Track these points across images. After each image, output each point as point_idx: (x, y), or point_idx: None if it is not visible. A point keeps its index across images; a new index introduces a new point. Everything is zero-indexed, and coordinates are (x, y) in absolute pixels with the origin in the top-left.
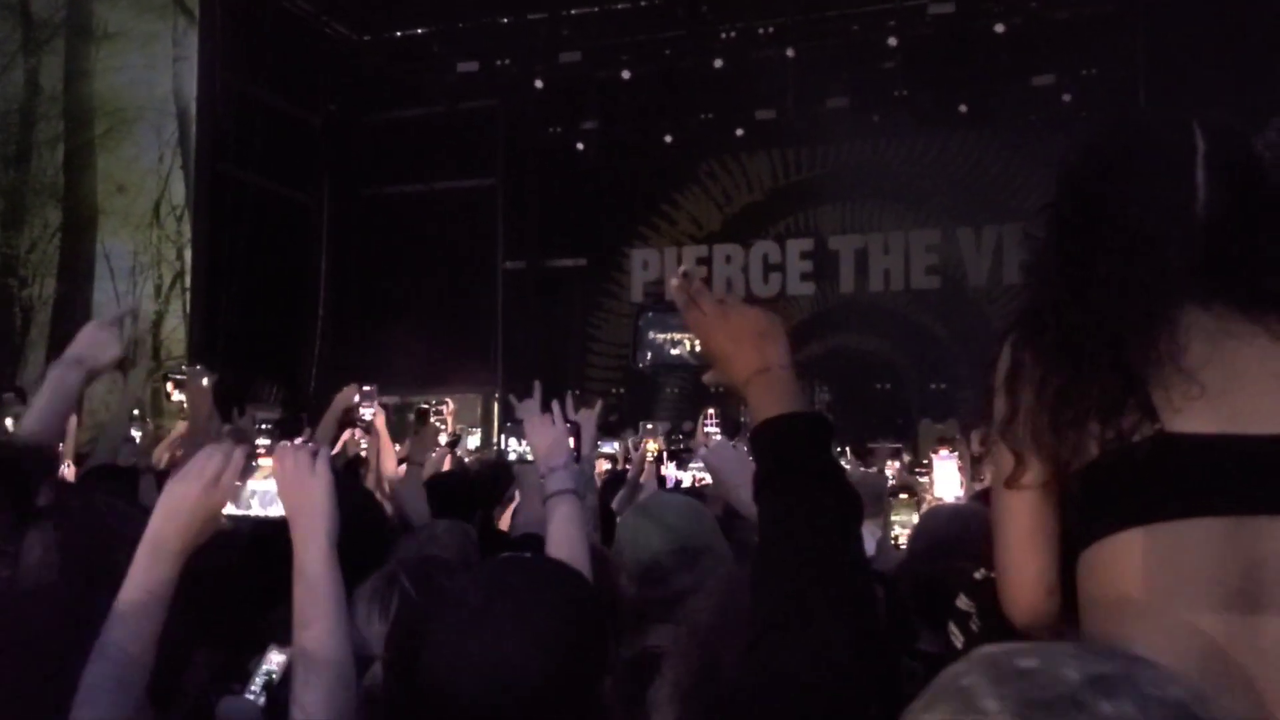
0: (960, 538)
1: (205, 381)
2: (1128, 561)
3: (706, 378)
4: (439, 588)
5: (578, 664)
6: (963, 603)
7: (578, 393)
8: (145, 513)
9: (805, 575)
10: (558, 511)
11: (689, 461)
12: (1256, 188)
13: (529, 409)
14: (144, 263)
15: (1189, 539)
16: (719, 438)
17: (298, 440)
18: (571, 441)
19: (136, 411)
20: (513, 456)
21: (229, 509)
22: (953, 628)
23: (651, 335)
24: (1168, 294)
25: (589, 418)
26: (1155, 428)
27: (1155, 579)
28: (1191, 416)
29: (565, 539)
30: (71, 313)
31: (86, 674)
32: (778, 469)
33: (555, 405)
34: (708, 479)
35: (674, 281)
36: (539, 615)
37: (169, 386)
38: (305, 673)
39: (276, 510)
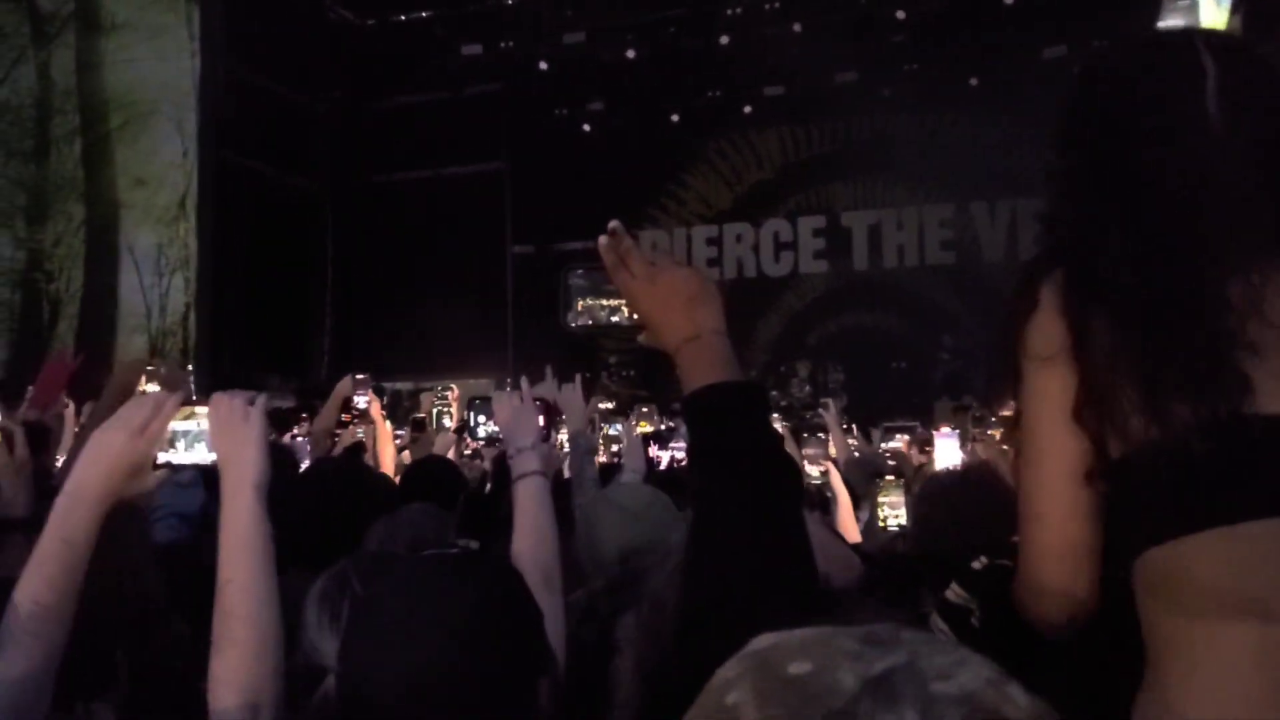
0: (964, 506)
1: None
2: (1198, 571)
3: (640, 339)
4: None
5: (505, 665)
6: (955, 594)
7: (587, 375)
8: (135, 513)
9: (738, 557)
10: (524, 495)
11: (670, 440)
12: (1275, 106)
13: (544, 391)
14: (170, 256)
15: (1268, 544)
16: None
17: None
18: (541, 420)
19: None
20: (481, 434)
21: (163, 458)
22: (939, 623)
23: (582, 296)
24: (1237, 256)
25: (572, 392)
26: (1242, 409)
27: (1234, 585)
28: (1273, 396)
29: (533, 523)
30: (99, 306)
31: (2, 624)
32: (708, 441)
33: (524, 383)
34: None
35: (601, 240)
36: (460, 615)
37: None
38: (222, 635)
39: (199, 454)
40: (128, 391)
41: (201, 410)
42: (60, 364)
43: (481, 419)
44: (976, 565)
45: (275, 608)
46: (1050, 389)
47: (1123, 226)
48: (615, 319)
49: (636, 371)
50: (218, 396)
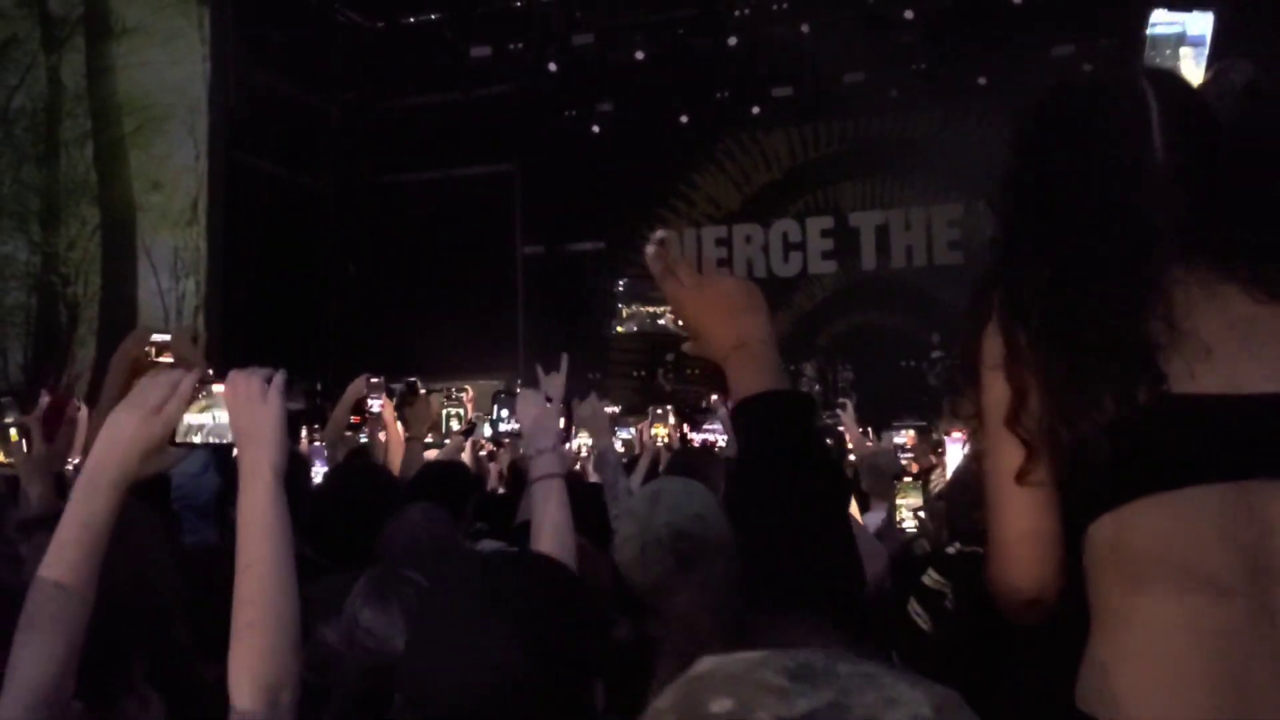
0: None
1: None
2: (1137, 535)
3: (686, 347)
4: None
5: (566, 666)
6: (932, 580)
7: (596, 376)
8: (150, 512)
9: (788, 564)
10: (544, 497)
11: (703, 422)
12: (1211, 138)
13: (552, 385)
14: (185, 260)
15: (1197, 507)
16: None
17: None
18: (562, 422)
19: None
20: (503, 428)
21: (182, 439)
22: (916, 607)
23: (628, 303)
24: (1152, 259)
25: (595, 406)
26: (1161, 390)
27: (1165, 553)
28: (1196, 379)
29: (551, 526)
30: (118, 310)
31: (24, 613)
32: (757, 449)
33: (545, 382)
34: (723, 440)
35: (649, 250)
36: (526, 615)
37: (151, 351)
38: (241, 619)
39: (216, 439)
40: (135, 363)
41: (218, 392)
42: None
43: (505, 414)
44: (951, 551)
45: (294, 593)
46: (997, 395)
47: (1039, 251)
48: (661, 325)
49: (700, 369)
50: (235, 374)
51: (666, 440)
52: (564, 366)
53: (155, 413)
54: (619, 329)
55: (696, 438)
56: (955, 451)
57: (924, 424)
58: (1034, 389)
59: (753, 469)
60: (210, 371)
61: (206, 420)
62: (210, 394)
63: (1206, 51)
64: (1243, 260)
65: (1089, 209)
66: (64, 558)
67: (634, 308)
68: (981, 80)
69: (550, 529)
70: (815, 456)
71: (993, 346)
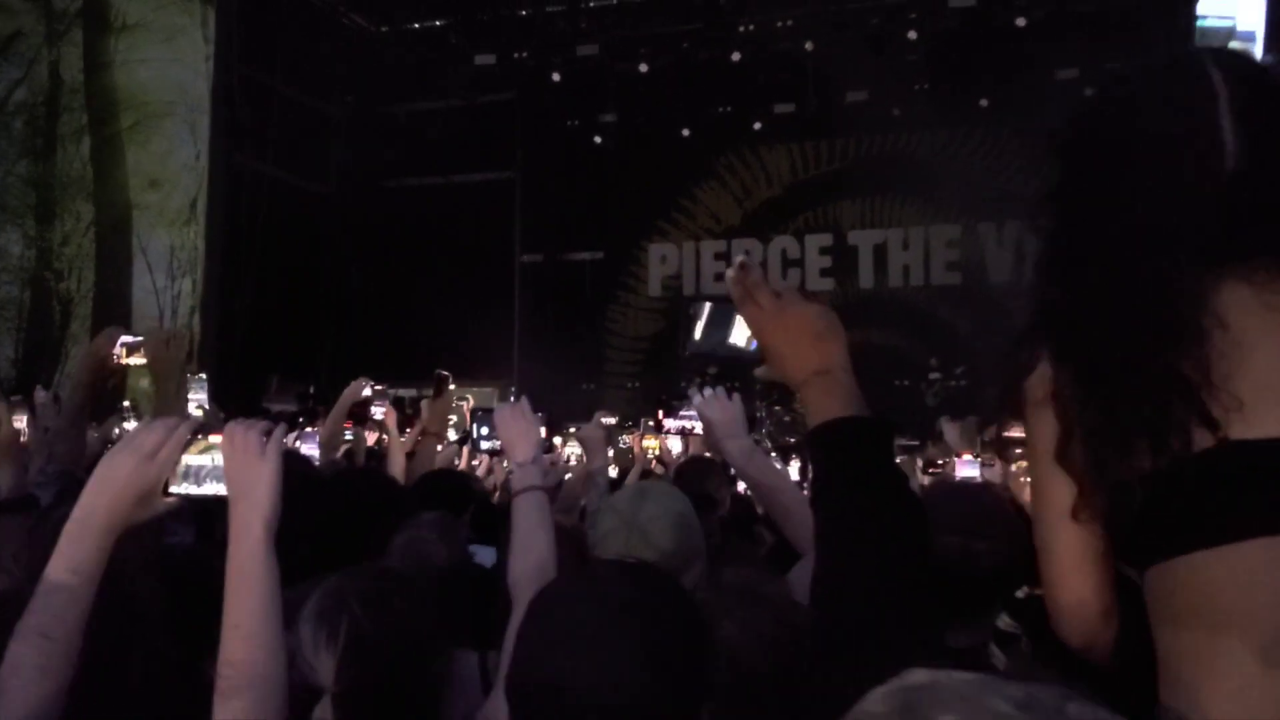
0: (970, 515)
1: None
2: (1200, 587)
3: (759, 372)
4: (540, 600)
5: (688, 685)
6: (1005, 623)
7: (592, 387)
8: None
9: (871, 589)
10: (524, 510)
11: (679, 410)
12: None
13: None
14: (182, 260)
15: (1266, 560)
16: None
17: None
18: (543, 431)
19: (127, 403)
20: (484, 446)
21: (176, 489)
22: (996, 650)
23: (703, 326)
24: (1192, 285)
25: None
26: (1218, 436)
27: (1234, 608)
28: (1256, 420)
29: (530, 539)
30: (111, 307)
31: (6, 657)
32: (838, 474)
33: (524, 399)
34: (699, 427)
35: (730, 273)
36: (652, 630)
37: (121, 353)
38: (228, 681)
39: (213, 488)
40: (103, 363)
41: (217, 440)
42: None
43: (484, 431)
44: (1020, 594)
45: (280, 652)
46: (1044, 432)
47: (1086, 283)
48: (735, 349)
49: (637, 385)
50: (233, 426)
51: (658, 453)
52: (597, 422)
53: (150, 459)
54: (691, 354)
55: (673, 425)
56: (966, 473)
57: (916, 443)
58: (1078, 428)
59: (832, 493)
60: (200, 403)
61: (206, 462)
62: (208, 440)
63: (1256, 46)
64: None
65: (1128, 231)
66: (50, 605)
67: (707, 332)
68: (984, 102)
69: (528, 543)
70: (893, 482)
71: (1038, 384)
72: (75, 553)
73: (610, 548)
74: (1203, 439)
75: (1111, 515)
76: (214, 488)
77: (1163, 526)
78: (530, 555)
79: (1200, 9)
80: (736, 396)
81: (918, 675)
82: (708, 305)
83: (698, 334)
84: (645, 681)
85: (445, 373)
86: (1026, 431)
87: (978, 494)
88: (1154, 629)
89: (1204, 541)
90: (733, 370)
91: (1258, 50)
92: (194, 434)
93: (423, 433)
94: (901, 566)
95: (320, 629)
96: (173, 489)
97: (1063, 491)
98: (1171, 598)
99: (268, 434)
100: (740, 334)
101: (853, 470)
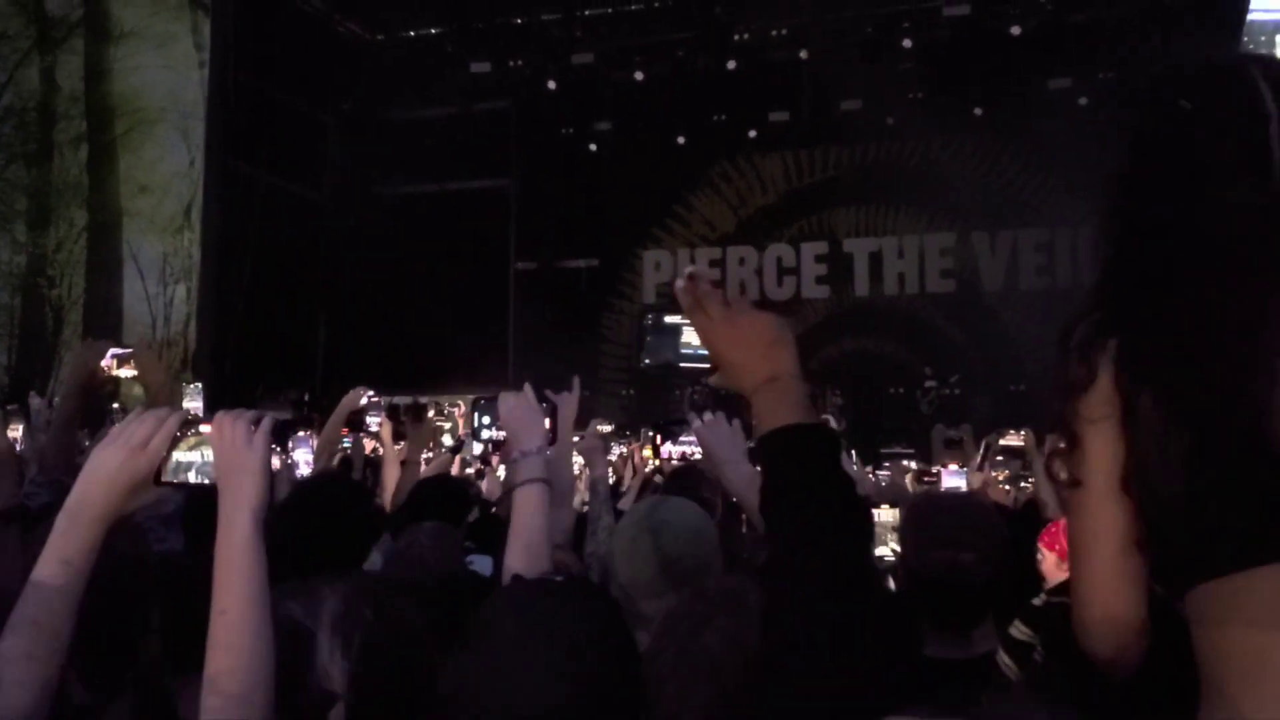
0: (958, 527)
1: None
2: (1255, 600)
3: (713, 380)
4: (477, 619)
5: (610, 698)
6: (1020, 631)
7: (587, 393)
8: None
9: (820, 594)
10: (523, 503)
11: (679, 435)
12: None
13: (566, 405)
14: (174, 266)
15: None
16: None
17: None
18: (547, 423)
19: (117, 405)
20: (485, 435)
21: (167, 479)
22: (1005, 659)
23: (657, 336)
24: (1271, 313)
25: (593, 437)
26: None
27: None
28: None
29: (527, 534)
30: (102, 313)
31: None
32: (786, 481)
33: (528, 387)
34: (699, 453)
35: (679, 283)
36: (570, 645)
37: (112, 364)
38: (216, 667)
39: (201, 479)
40: (93, 375)
41: (206, 432)
42: None
43: (486, 420)
44: (1037, 602)
45: (269, 640)
46: (1103, 452)
47: (1167, 306)
48: (686, 360)
49: (631, 392)
50: (221, 416)
51: (657, 463)
52: (576, 388)
53: (140, 449)
54: (647, 360)
55: (674, 450)
56: (953, 483)
57: (911, 451)
58: (1150, 451)
59: (780, 499)
60: (195, 411)
61: (196, 458)
62: (199, 432)
63: None
64: None
65: (1204, 257)
66: (41, 596)
67: (659, 342)
68: (978, 110)
69: (524, 537)
70: (840, 488)
71: (1098, 401)
72: (66, 544)
73: (619, 542)
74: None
75: (1170, 535)
76: (203, 479)
77: (1222, 540)
78: (525, 547)
79: (1253, 2)
80: (737, 422)
81: None
82: (651, 314)
83: (649, 343)
84: (566, 695)
85: (424, 401)
86: (1078, 449)
87: (964, 505)
88: (1200, 644)
89: (1263, 556)
90: (693, 374)
91: None
92: (184, 426)
93: (403, 463)
94: (852, 571)
95: (335, 637)
96: (167, 478)
97: (1120, 512)
98: (1224, 611)
99: (256, 423)
100: (692, 337)
101: (800, 476)
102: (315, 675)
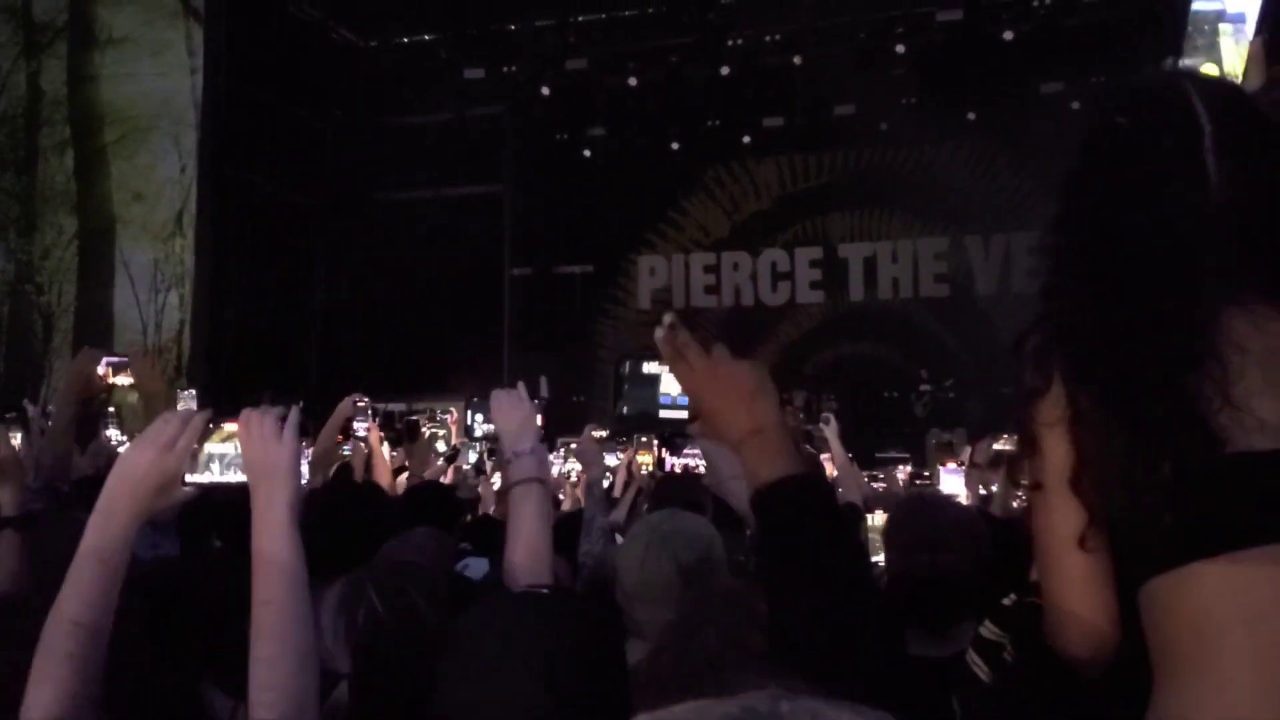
0: (938, 529)
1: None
2: (1199, 595)
3: (693, 430)
4: (456, 625)
5: (591, 706)
6: (989, 631)
7: (581, 399)
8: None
9: (814, 643)
10: (520, 503)
11: (683, 447)
12: (1269, 159)
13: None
14: (166, 273)
15: (1261, 568)
16: None
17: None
18: (540, 419)
19: (111, 409)
20: (478, 432)
21: (193, 479)
22: (975, 658)
23: (635, 386)
24: (1206, 311)
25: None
26: (1222, 450)
27: (1232, 612)
28: (1258, 436)
29: (527, 533)
30: (94, 320)
31: (40, 648)
32: (781, 535)
33: (520, 385)
34: (703, 465)
35: (659, 332)
36: (550, 654)
37: (108, 372)
38: (260, 654)
39: (235, 476)
40: (90, 382)
41: (231, 430)
42: None
43: (479, 418)
44: (1007, 602)
45: (310, 626)
46: (1056, 453)
47: (1095, 308)
48: (666, 409)
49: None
50: (249, 413)
51: (651, 469)
52: (544, 389)
53: (168, 449)
54: (625, 409)
55: (677, 463)
56: (950, 482)
57: (905, 455)
58: (1096, 451)
59: (779, 554)
60: (161, 385)
61: (229, 450)
62: (223, 430)
63: (1246, 27)
64: None
65: (1138, 259)
66: (80, 594)
67: (638, 390)
68: (971, 115)
69: (525, 538)
70: (837, 538)
71: (1051, 406)
72: (101, 542)
73: (629, 552)
74: (1216, 452)
75: (1124, 532)
76: (234, 475)
77: (1169, 538)
78: (526, 546)
79: None
80: None
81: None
82: (629, 362)
83: (626, 392)
84: (541, 702)
85: (416, 419)
86: (1037, 452)
87: (942, 508)
88: (1151, 638)
89: (1206, 550)
90: (674, 423)
91: (1248, 31)
92: (208, 424)
93: (408, 472)
94: (853, 617)
95: (339, 617)
96: (194, 478)
97: (1073, 512)
98: (1173, 606)
99: (283, 419)
100: (671, 386)
101: (795, 531)
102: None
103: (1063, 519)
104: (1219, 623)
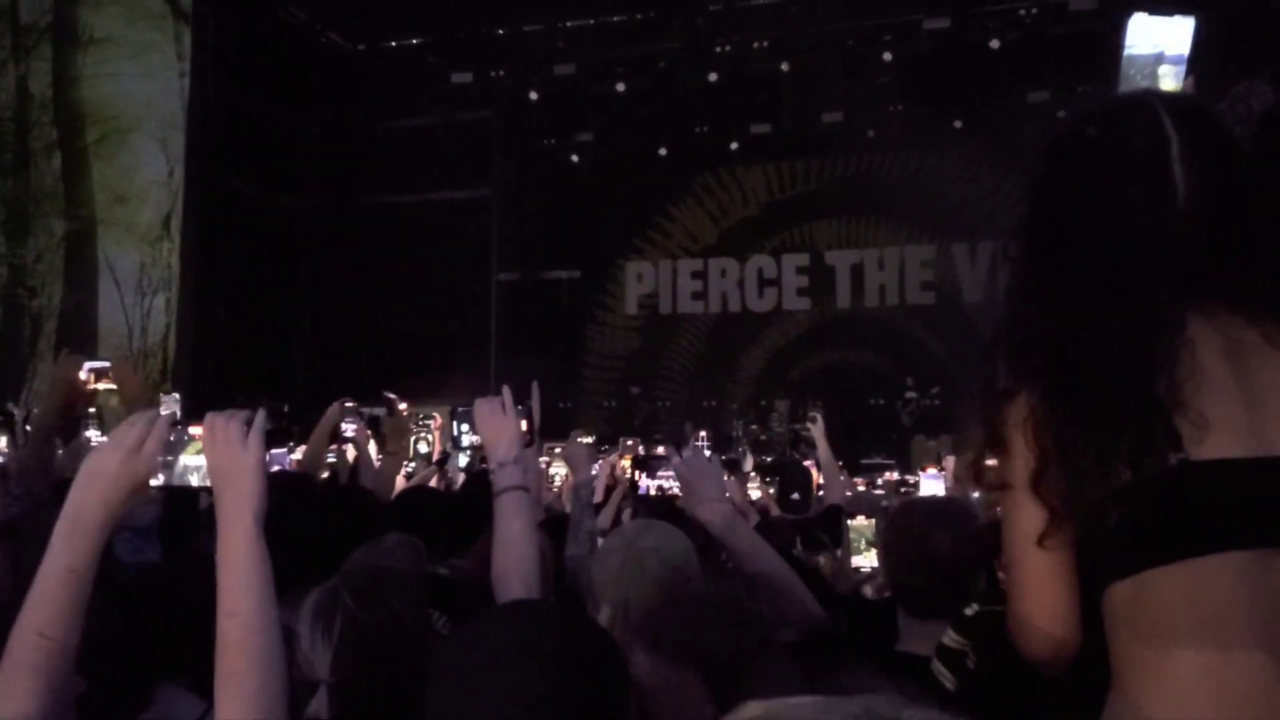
0: (934, 514)
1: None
2: (1155, 602)
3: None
4: (451, 637)
5: (594, 715)
6: (952, 640)
7: (569, 405)
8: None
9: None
10: (506, 511)
11: (658, 469)
12: (1234, 171)
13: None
14: (153, 277)
15: (1215, 577)
16: (688, 451)
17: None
18: (524, 425)
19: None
20: (464, 443)
21: (157, 481)
22: (940, 667)
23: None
24: (1166, 315)
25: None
26: (1179, 457)
27: (1187, 619)
28: (1215, 442)
29: (513, 542)
30: (79, 324)
31: (5, 659)
32: None
33: (505, 391)
34: (677, 488)
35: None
36: (555, 662)
37: (90, 377)
38: (227, 667)
39: (197, 481)
40: (72, 389)
41: (197, 434)
42: None
43: (464, 428)
44: (969, 612)
45: (278, 637)
46: (1022, 454)
47: (1050, 310)
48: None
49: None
50: (213, 417)
51: (634, 475)
52: (535, 395)
53: (135, 452)
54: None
55: (651, 485)
56: (930, 486)
57: (892, 461)
58: (1055, 454)
59: None
60: (178, 413)
61: (204, 463)
62: (192, 436)
63: (1185, 64)
64: (1263, 307)
65: (1100, 262)
66: (48, 604)
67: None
68: (958, 123)
69: (513, 546)
70: None
71: (1021, 407)
72: (70, 550)
73: (607, 565)
74: (1172, 459)
75: (1083, 536)
76: (200, 480)
77: (1125, 544)
78: (513, 554)
79: (1129, 39)
80: (716, 458)
81: (750, 709)
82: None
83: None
84: (548, 711)
85: (391, 395)
86: (1005, 453)
87: (941, 500)
88: (1111, 643)
89: (1161, 558)
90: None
91: (1183, 70)
92: (174, 425)
93: (387, 454)
94: None
95: (316, 623)
96: (155, 482)
97: (1036, 518)
98: (1130, 612)
99: (248, 424)
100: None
101: None
102: (295, 668)
103: (1027, 519)
104: (1176, 631)
